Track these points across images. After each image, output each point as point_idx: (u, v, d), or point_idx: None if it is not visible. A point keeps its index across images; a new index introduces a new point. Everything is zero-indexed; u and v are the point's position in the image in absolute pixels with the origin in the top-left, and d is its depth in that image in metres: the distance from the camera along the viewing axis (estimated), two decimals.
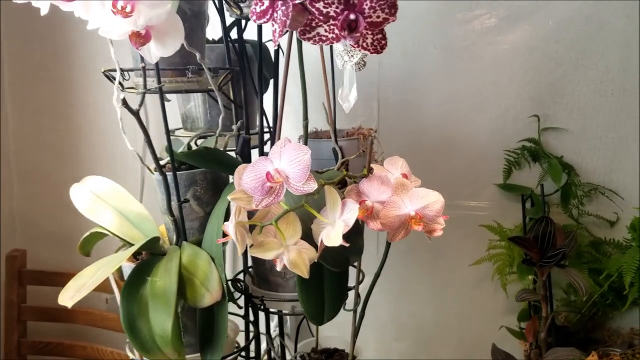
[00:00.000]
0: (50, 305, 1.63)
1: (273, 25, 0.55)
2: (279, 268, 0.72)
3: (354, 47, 0.56)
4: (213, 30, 1.13)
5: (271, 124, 1.07)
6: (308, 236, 0.75)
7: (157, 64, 0.81)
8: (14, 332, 1.66)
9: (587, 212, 1.37)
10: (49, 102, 1.67)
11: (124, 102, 0.77)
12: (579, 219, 1.37)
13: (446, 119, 1.46)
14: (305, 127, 0.82)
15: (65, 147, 1.69)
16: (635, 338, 1.32)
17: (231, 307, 1.05)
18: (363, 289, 0.97)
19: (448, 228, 1.48)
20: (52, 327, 1.70)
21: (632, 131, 1.34)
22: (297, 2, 0.52)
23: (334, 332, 1.28)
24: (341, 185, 0.87)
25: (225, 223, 0.73)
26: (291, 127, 1.26)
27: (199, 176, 0.95)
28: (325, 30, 0.55)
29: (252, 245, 0.73)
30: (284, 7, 0.52)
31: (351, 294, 0.97)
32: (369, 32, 0.56)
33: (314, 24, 0.55)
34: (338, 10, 0.53)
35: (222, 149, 0.97)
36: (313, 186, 0.67)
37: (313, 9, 0.53)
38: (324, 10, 0.53)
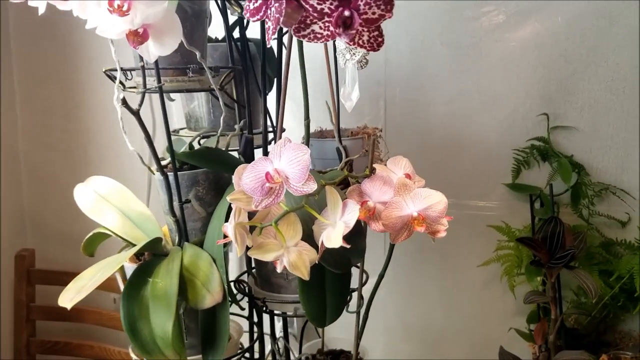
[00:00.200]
0: (59, 305, 1.64)
1: (267, 22, 0.54)
2: (279, 270, 0.71)
3: (349, 44, 0.55)
4: (217, 29, 1.13)
5: (275, 124, 1.06)
6: (309, 237, 0.74)
7: (156, 63, 0.80)
8: (23, 331, 1.67)
9: (598, 213, 1.35)
10: (57, 102, 1.68)
11: (124, 102, 0.77)
12: (589, 220, 1.35)
13: (454, 117, 1.44)
14: (307, 126, 0.81)
15: (73, 147, 1.70)
16: None
17: (235, 307, 1.04)
18: (368, 289, 0.96)
19: (457, 228, 1.48)
20: (61, 327, 1.71)
21: None
22: None
23: (340, 334, 1.27)
24: (344, 185, 0.86)
25: (225, 224, 0.72)
26: (299, 125, 1.25)
27: (201, 176, 0.94)
28: (320, 28, 0.54)
29: (252, 246, 0.72)
30: (277, 4, 0.51)
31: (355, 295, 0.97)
32: (365, 29, 0.55)
33: (308, 21, 0.53)
34: (332, 7, 0.52)
35: (224, 149, 0.96)
36: (313, 187, 0.66)
37: (307, 6, 0.52)
38: (318, 7, 0.52)
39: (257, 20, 0.55)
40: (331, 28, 0.53)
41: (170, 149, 0.87)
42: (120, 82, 0.85)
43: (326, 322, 0.86)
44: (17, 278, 1.67)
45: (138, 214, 0.99)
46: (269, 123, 1.08)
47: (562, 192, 1.36)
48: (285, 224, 0.72)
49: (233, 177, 0.72)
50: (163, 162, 0.92)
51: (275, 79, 1.01)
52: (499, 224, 1.40)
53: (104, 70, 0.89)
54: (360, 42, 0.56)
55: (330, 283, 0.85)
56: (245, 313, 1.09)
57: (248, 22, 1.01)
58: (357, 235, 0.79)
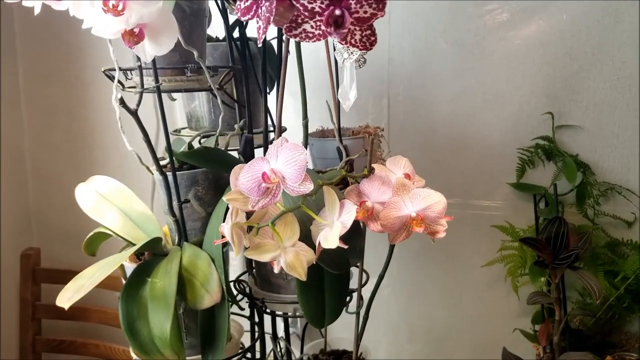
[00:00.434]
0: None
1: (258, 22, 0.54)
2: (276, 270, 0.71)
3: (341, 43, 0.55)
4: (219, 28, 1.13)
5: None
6: (307, 237, 0.73)
7: (154, 62, 0.80)
8: (29, 329, 1.68)
9: (603, 212, 1.33)
10: (62, 102, 1.69)
11: (121, 102, 0.77)
12: (594, 220, 1.33)
13: (458, 116, 1.43)
14: (305, 126, 0.81)
15: (78, 146, 1.71)
16: None
17: (236, 307, 1.04)
18: (370, 289, 0.95)
19: (461, 228, 1.47)
20: (66, 325, 1.71)
21: None
22: None
23: (344, 334, 1.26)
24: (344, 185, 0.86)
25: (222, 224, 0.72)
26: (301, 124, 1.25)
27: (200, 176, 0.94)
28: (312, 27, 0.53)
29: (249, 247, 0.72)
30: (267, 3, 0.51)
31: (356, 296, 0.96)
32: (357, 28, 0.54)
33: (299, 20, 0.53)
34: (323, 6, 0.51)
35: (223, 149, 0.96)
36: (309, 187, 0.66)
37: (298, 5, 0.51)
38: (309, 6, 0.51)
39: (249, 19, 0.55)
40: (323, 27, 0.53)
41: (169, 148, 0.87)
42: (120, 82, 0.85)
43: (325, 323, 0.85)
44: (23, 277, 1.68)
45: (139, 213, 0.99)
46: (270, 122, 1.07)
47: (567, 191, 1.34)
48: (282, 225, 0.72)
49: (230, 177, 0.72)
50: (162, 162, 0.92)
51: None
52: (503, 224, 1.39)
53: (103, 70, 0.89)
54: (353, 41, 0.55)
55: (329, 283, 0.85)
56: (247, 313, 1.09)
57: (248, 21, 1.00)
58: (355, 235, 0.78)
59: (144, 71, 0.83)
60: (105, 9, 0.62)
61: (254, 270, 1.07)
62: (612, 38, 1.28)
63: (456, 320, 1.56)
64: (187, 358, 0.91)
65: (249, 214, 0.73)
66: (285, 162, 0.66)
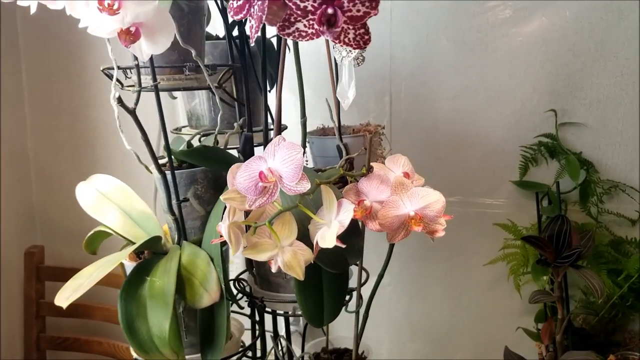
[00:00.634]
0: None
1: (250, 20, 0.54)
2: (273, 270, 0.71)
3: (334, 42, 0.54)
4: (220, 27, 1.12)
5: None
6: (305, 236, 0.73)
7: (151, 61, 0.80)
8: (33, 327, 1.69)
9: (607, 211, 1.32)
10: (65, 101, 1.69)
11: (119, 101, 0.77)
12: (598, 218, 1.32)
13: (460, 113, 1.42)
14: (303, 124, 0.81)
15: (81, 145, 1.71)
16: None
17: (236, 306, 1.04)
18: (370, 288, 0.95)
19: (463, 226, 1.46)
20: (70, 323, 1.72)
21: None
22: None
23: (346, 332, 1.26)
24: (343, 184, 0.85)
25: (219, 223, 0.72)
26: None
27: (200, 175, 0.94)
28: (305, 26, 0.53)
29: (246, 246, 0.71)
30: (259, 2, 0.50)
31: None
32: (351, 27, 0.53)
33: (292, 19, 0.53)
34: (316, 5, 0.51)
35: (222, 147, 0.96)
36: (306, 186, 0.66)
37: (290, 3, 0.51)
38: (301, 5, 0.51)
39: (241, 18, 0.54)
40: (315, 26, 0.52)
41: (167, 147, 0.87)
42: (118, 81, 0.85)
43: (324, 322, 0.85)
44: (27, 275, 1.69)
45: (139, 212, 0.99)
46: (270, 120, 1.07)
47: (570, 189, 1.33)
48: (280, 224, 0.71)
49: (227, 176, 0.72)
50: (161, 161, 0.92)
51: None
52: (505, 222, 1.38)
53: (102, 69, 0.89)
54: (346, 40, 0.55)
55: (328, 283, 0.84)
56: (247, 311, 1.09)
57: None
58: (353, 234, 0.78)
59: (142, 70, 0.83)
60: (101, 8, 0.62)
61: (254, 269, 1.07)
62: (616, 34, 1.27)
63: (458, 319, 1.55)
64: (187, 357, 0.91)
65: (247, 213, 0.73)
66: (282, 161, 0.66)
